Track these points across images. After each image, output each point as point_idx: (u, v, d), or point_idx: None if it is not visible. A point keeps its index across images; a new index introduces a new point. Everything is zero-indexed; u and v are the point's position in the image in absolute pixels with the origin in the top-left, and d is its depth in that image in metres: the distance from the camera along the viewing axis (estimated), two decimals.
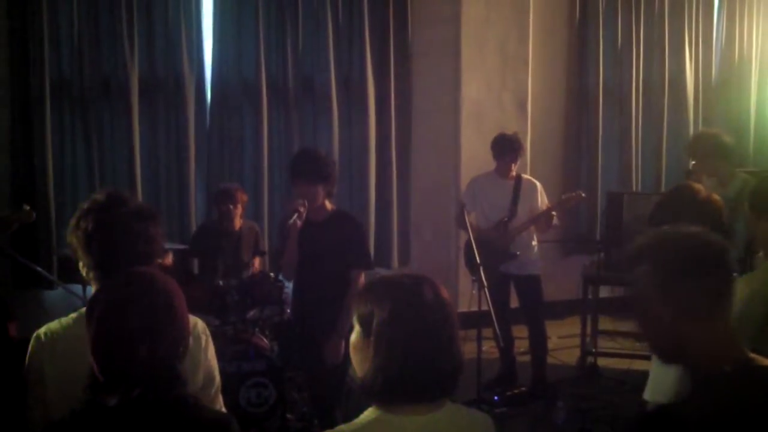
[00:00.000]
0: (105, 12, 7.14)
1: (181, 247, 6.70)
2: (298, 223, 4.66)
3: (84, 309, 2.33)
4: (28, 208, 5.55)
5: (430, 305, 2.07)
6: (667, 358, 2.09)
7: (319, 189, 4.70)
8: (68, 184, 7.27)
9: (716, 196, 3.31)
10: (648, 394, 3.27)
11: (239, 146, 7.68)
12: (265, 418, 5.56)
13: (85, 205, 2.58)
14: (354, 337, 2.14)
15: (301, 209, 4.65)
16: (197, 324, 2.65)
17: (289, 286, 5.53)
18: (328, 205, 4.83)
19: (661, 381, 3.08)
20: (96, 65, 7.19)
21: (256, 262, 6.77)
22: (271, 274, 6.32)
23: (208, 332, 2.73)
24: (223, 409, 2.71)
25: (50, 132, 7.06)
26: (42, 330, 2.53)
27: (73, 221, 2.55)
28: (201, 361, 2.62)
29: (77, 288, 5.71)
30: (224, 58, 7.57)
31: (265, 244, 7.15)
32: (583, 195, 6.66)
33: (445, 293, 2.13)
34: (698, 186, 3.38)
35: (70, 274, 6.69)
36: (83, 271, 2.57)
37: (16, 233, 6.19)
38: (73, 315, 2.58)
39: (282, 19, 7.62)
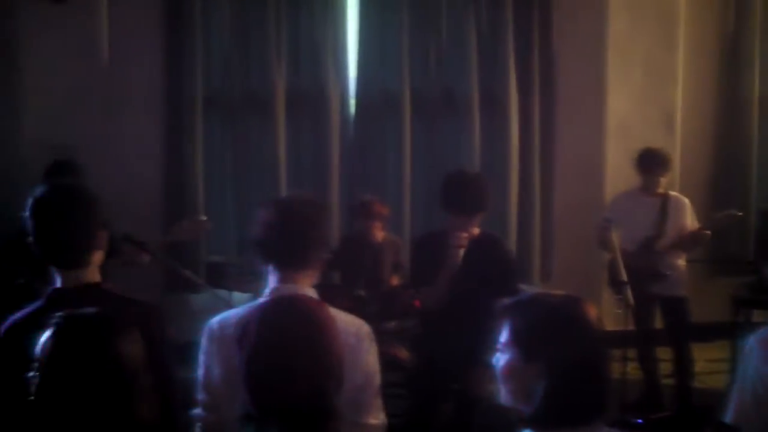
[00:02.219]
0: (254, 25, 7.33)
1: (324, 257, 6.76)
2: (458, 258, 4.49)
3: (256, 302, 2.64)
4: (205, 218, 5.73)
5: (591, 324, 2.01)
6: None
7: (478, 217, 4.60)
8: (216, 193, 7.51)
9: None
10: None
11: (381, 157, 7.73)
12: (401, 430, 5.54)
13: (267, 202, 2.83)
14: (508, 361, 2.07)
15: (463, 248, 4.49)
16: (362, 326, 2.79)
17: None
18: (476, 229, 4.67)
19: None
20: (244, 77, 7.40)
21: (394, 278, 6.78)
22: (411, 287, 6.31)
23: (372, 335, 2.81)
24: (382, 413, 2.77)
25: (200, 142, 7.31)
26: (215, 319, 2.71)
27: (256, 216, 2.80)
28: (362, 361, 2.68)
29: (223, 292, 5.88)
30: (368, 70, 7.65)
31: (406, 257, 7.15)
32: (739, 214, 6.33)
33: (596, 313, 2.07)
34: None
35: (217, 279, 6.91)
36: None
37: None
38: (244, 307, 2.74)
39: (425, 30, 7.64)
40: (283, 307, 2.17)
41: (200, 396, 2.71)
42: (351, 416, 2.65)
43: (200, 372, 2.71)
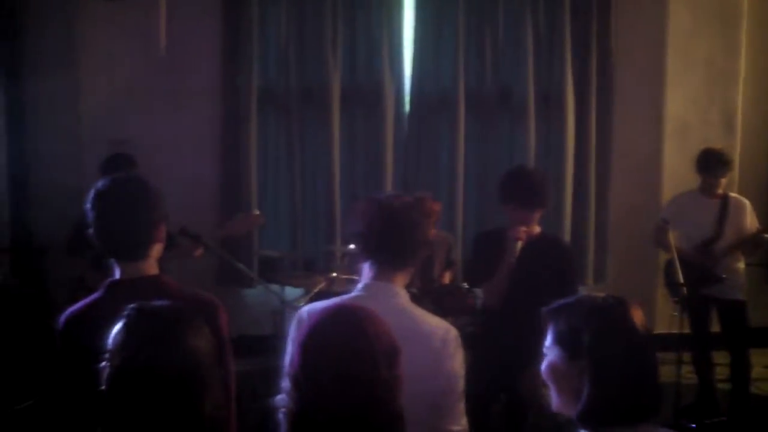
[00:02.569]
0: (310, 22, 7.37)
1: None
2: (516, 251, 4.43)
3: (349, 295, 2.75)
4: (258, 212, 5.79)
5: (637, 325, 2.00)
6: None
7: (539, 213, 4.55)
8: (271, 187, 7.57)
9: None
10: None
11: (435, 156, 7.71)
12: None
13: (369, 197, 2.91)
14: (552, 361, 2.06)
15: (521, 241, 4.43)
16: (450, 331, 2.77)
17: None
18: (536, 227, 4.60)
19: None
20: (300, 73, 7.43)
21: (446, 276, 6.76)
22: (464, 284, 6.29)
23: (459, 340, 2.78)
24: (464, 419, 2.74)
25: (255, 136, 7.37)
26: (306, 308, 2.76)
27: (356, 210, 2.89)
28: (445, 366, 2.67)
29: (276, 287, 5.92)
30: (423, 68, 7.63)
31: (459, 254, 7.14)
32: None
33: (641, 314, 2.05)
34: None
35: (269, 273, 6.97)
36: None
37: None
38: (337, 299, 2.75)
39: (481, 29, 7.60)
40: (341, 316, 2.17)
41: (285, 383, 2.71)
42: (432, 421, 2.66)
43: (287, 359, 2.71)
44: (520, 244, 4.42)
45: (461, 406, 2.76)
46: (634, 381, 1.97)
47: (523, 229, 4.45)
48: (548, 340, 2.09)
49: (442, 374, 2.70)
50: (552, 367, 2.07)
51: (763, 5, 8.13)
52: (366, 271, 2.84)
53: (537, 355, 4.35)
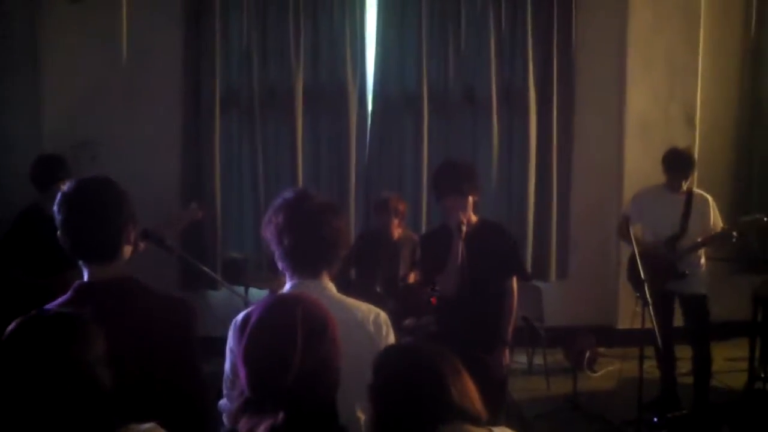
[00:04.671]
0: (273, 22, 7.37)
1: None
2: (461, 238, 4.56)
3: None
4: (195, 206, 5.76)
5: None
6: None
7: (471, 201, 4.66)
8: (234, 189, 7.55)
9: None
10: None
11: (399, 154, 7.74)
12: None
13: (276, 202, 2.88)
14: None
15: (464, 227, 4.56)
16: (380, 314, 2.90)
17: None
18: (473, 216, 4.75)
19: None
20: (263, 74, 7.43)
21: (412, 276, 6.78)
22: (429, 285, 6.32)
23: (389, 322, 2.91)
24: None
25: (219, 138, 7.35)
26: (241, 315, 2.68)
27: (266, 218, 2.86)
28: (381, 348, 2.69)
29: (240, 289, 5.91)
30: (386, 67, 7.65)
31: None
32: (766, 219, 6.24)
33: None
34: None
35: (233, 275, 6.95)
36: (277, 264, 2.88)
37: (184, 235, 6.48)
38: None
39: (444, 28, 7.64)
40: (286, 299, 2.26)
41: (227, 389, 2.75)
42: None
43: (227, 366, 2.76)
44: (464, 227, 4.54)
45: None
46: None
47: (463, 214, 4.58)
48: None
49: None
50: None
51: (722, 2, 8.22)
52: (287, 276, 2.89)
53: (495, 335, 4.48)
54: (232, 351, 2.71)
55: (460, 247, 4.56)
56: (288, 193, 2.91)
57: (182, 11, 7.31)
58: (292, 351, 2.04)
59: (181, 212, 5.95)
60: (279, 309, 2.17)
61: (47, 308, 2.20)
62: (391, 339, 2.87)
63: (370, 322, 2.85)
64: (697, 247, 6.01)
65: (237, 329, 2.42)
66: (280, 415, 2.01)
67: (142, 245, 4.59)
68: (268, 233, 2.87)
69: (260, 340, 2.09)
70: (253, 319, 2.16)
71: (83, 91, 7.13)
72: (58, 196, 2.69)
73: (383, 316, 2.90)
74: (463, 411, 2.16)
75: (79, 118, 7.10)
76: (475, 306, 4.57)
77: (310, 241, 2.82)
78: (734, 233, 5.96)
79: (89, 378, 2.03)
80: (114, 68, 7.19)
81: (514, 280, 4.81)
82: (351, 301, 2.93)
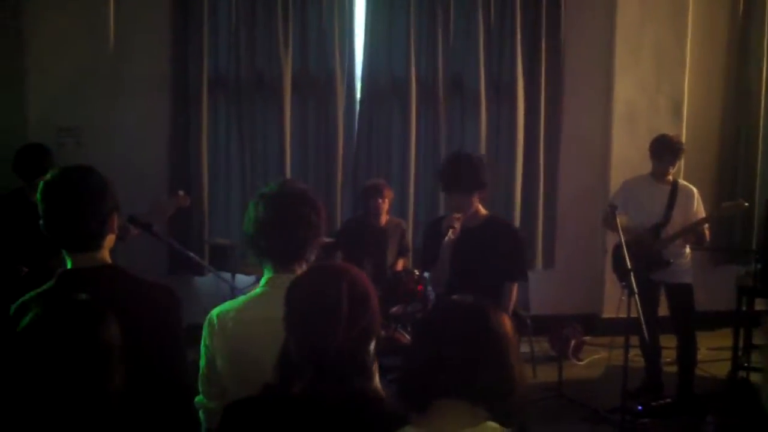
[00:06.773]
0: (262, 8, 7.33)
1: (327, 240, 6.80)
2: (452, 238, 4.52)
3: (254, 292, 2.75)
4: (182, 193, 5.76)
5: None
6: None
7: (476, 197, 4.60)
8: (222, 175, 7.53)
9: None
10: None
11: (387, 143, 7.73)
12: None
13: (259, 193, 2.83)
14: None
15: (457, 225, 4.51)
16: None
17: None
18: (482, 210, 4.69)
19: None
20: (251, 61, 7.39)
21: (400, 263, 6.79)
22: (415, 271, 6.32)
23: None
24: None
25: (206, 125, 7.32)
26: (214, 312, 2.74)
27: (249, 209, 2.82)
28: None
29: (226, 275, 5.90)
30: (375, 55, 7.64)
31: (410, 242, 7.18)
32: (746, 204, 6.30)
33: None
34: None
35: (220, 261, 6.95)
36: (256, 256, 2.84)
37: (171, 221, 6.47)
38: (243, 298, 2.81)
39: (433, 17, 7.62)
40: (330, 269, 2.33)
41: (204, 386, 2.76)
42: None
43: (203, 363, 2.75)
44: (452, 232, 4.49)
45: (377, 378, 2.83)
46: None
47: (457, 216, 4.53)
48: None
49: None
50: None
51: None
52: (265, 268, 2.83)
53: None
54: (207, 348, 2.72)
55: (449, 247, 4.53)
56: (266, 189, 2.84)
57: None
58: (338, 320, 2.12)
59: (169, 199, 5.95)
60: (325, 279, 2.24)
61: (70, 294, 2.24)
62: None
63: None
64: (677, 236, 6.04)
65: (228, 332, 2.45)
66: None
67: (135, 231, 4.60)
68: (248, 229, 2.80)
69: (307, 309, 2.18)
70: (299, 289, 2.24)
71: (69, 77, 7.07)
72: (41, 185, 2.68)
73: None
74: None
75: (64, 104, 7.05)
76: None
77: (288, 242, 2.75)
78: (707, 225, 6.03)
79: (112, 364, 2.11)
80: (100, 54, 7.13)
81: (515, 286, 4.69)
82: None
